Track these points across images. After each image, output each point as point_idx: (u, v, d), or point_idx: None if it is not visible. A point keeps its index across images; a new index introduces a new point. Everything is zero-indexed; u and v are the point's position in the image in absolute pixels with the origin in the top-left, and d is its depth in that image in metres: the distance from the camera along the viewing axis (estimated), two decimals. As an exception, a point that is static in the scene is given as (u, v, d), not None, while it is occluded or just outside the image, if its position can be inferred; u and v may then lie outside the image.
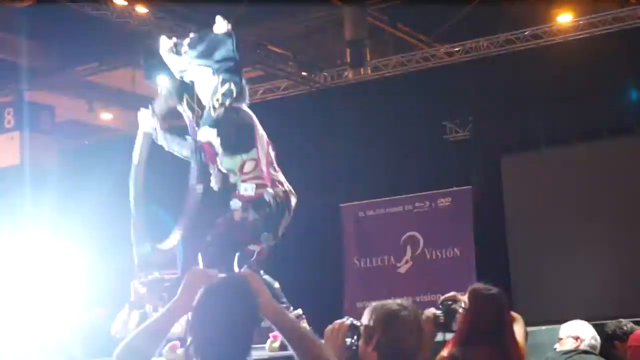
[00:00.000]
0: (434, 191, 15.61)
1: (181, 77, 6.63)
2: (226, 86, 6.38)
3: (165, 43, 6.64)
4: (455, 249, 15.31)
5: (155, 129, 6.62)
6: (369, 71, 17.12)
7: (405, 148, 15.93)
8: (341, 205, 16.36)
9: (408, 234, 15.77)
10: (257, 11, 16.03)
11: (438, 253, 15.48)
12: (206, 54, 6.45)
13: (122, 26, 15.16)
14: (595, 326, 6.77)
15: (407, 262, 15.77)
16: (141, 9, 15.02)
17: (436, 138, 15.54)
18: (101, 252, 15.41)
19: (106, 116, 20.93)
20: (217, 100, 6.38)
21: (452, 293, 4.66)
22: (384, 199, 16.04)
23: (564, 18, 16.21)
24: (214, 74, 6.45)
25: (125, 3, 14.81)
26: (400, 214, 15.89)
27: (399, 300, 3.55)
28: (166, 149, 6.77)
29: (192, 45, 6.52)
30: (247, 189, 6.42)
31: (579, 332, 6.65)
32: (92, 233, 17.88)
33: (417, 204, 15.77)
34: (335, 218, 16.42)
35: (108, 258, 14.52)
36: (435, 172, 15.66)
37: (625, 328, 7.05)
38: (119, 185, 7.04)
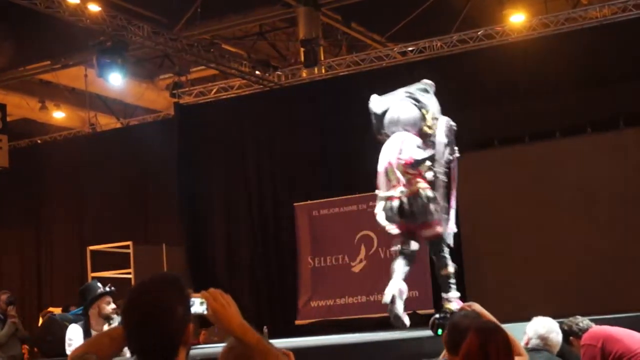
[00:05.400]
0: (388, 190, 15.62)
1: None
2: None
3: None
4: (410, 248, 15.32)
5: None
6: (323, 70, 17.12)
7: (359, 147, 15.93)
8: (295, 204, 16.34)
9: (362, 233, 15.77)
10: (211, 10, 15.98)
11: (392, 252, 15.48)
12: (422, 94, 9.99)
13: (74, 24, 15.03)
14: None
15: (361, 261, 15.78)
16: (94, 7, 14.89)
17: (390, 137, 15.54)
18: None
19: (58, 115, 20.79)
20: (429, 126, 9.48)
21: (470, 304, 4.58)
22: (338, 198, 16.04)
23: (517, 18, 16.32)
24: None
25: (78, 1, 14.68)
26: (354, 213, 15.88)
27: None
28: None
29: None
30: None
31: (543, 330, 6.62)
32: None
33: (371, 203, 15.70)
34: (289, 217, 16.40)
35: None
36: (389, 171, 15.66)
37: (581, 325, 7.11)
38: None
